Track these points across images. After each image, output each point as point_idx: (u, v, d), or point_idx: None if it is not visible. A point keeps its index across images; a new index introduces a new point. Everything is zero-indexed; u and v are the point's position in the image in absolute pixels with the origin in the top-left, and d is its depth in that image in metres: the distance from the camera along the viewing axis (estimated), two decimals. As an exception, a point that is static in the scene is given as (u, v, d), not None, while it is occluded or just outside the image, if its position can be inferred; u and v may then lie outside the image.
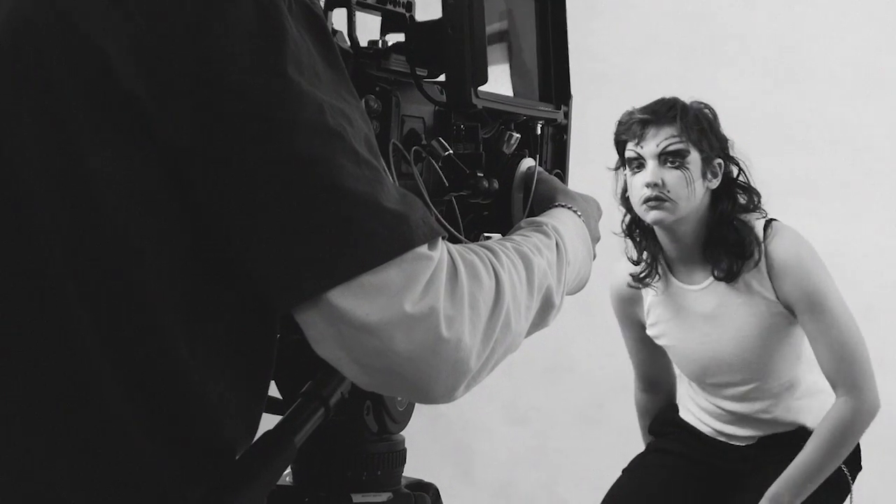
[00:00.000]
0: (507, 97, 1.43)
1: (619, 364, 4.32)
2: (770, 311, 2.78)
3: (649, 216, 2.76)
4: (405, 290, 1.07)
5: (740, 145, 2.82)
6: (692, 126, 2.77)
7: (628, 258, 2.94)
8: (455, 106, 1.37)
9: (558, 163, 1.66)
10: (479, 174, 1.41)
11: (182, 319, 1.09)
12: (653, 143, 2.76)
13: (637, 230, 2.90)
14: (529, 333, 1.27)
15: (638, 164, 2.79)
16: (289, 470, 1.50)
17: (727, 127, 2.86)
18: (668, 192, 2.72)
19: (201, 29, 1.05)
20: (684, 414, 3.10)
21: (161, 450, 1.11)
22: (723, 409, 2.96)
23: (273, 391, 1.42)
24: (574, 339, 4.34)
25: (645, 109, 2.82)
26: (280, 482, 1.50)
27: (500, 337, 1.16)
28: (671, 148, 2.74)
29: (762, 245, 2.77)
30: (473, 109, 1.34)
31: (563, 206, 1.42)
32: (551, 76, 1.51)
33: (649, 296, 2.97)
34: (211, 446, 1.14)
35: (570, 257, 1.35)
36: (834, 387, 2.81)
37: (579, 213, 1.43)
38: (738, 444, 2.98)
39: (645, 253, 2.89)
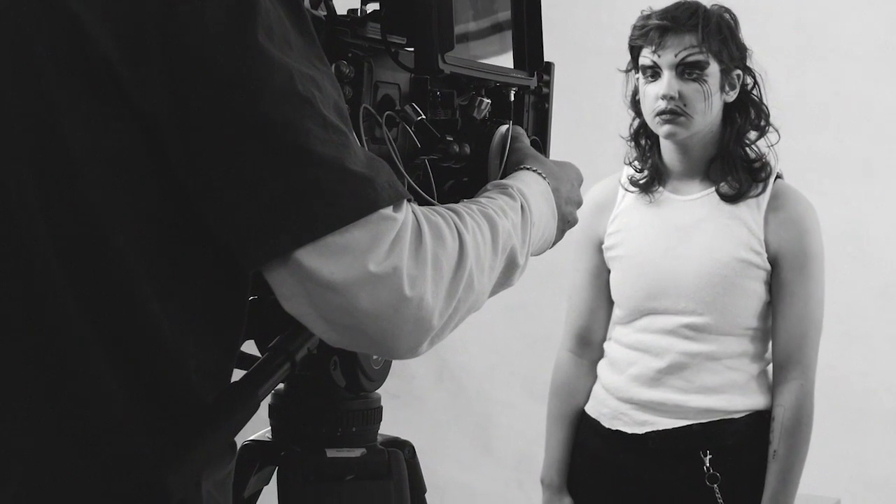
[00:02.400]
0: (477, 63, 1.46)
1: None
2: (750, 246, 2.61)
3: (662, 129, 2.60)
4: (370, 250, 1.11)
5: (758, 56, 2.69)
6: (714, 35, 2.58)
7: (630, 163, 2.76)
8: (422, 71, 1.40)
9: (539, 131, 1.69)
10: (448, 138, 1.44)
11: (154, 277, 1.14)
12: (671, 53, 2.57)
13: (645, 138, 2.73)
14: (494, 293, 1.31)
15: (653, 72, 2.60)
16: (268, 426, 1.55)
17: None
18: (685, 105, 2.56)
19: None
20: (592, 404, 2.80)
21: (131, 401, 1.15)
22: (649, 353, 2.67)
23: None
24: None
25: (664, 14, 2.61)
26: (259, 437, 1.54)
27: (463, 296, 1.20)
28: (691, 59, 2.57)
29: (772, 179, 2.64)
30: (441, 75, 1.37)
31: (529, 168, 1.46)
32: (524, 43, 1.54)
33: (623, 202, 2.76)
34: (181, 400, 1.18)
35: (535, 219, 1.38)
36: (784, 366, 2.63)
37: (545, 176, 1.46)
38: (640, 431, 2.67)
39: (649, 161, 2.70)
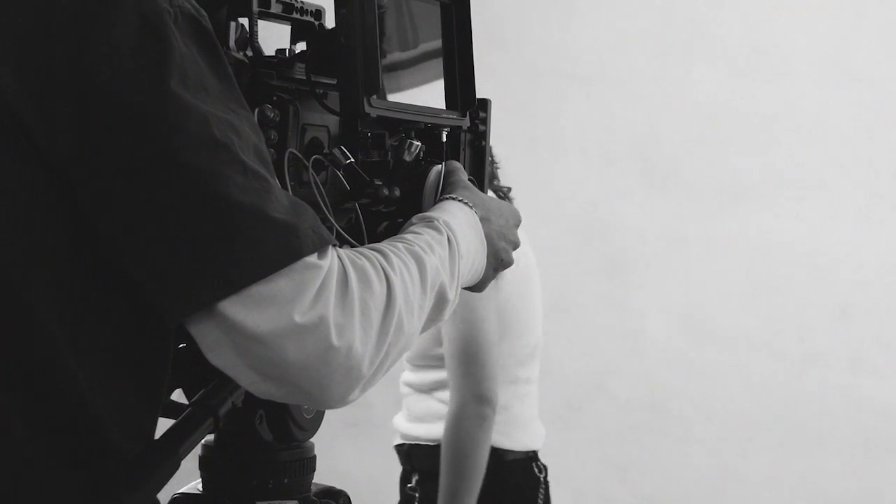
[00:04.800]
0: (406, 105, 1.43)
1: (595, 366, 4.33)
2: None
3: None
4: (294, 301, 1.09)
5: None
6: None
7: None
8: (348, 115, 1.37)
9: (475, 169, 1.66)
10: (378, 182, 1.41)
11: (68, 327, 1.11)
12: None
13: None
14: (425, 329, 1.29)
15: None
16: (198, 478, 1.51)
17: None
18: None
19: (84, 41, 1.07)
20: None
21: (48, 460, 1.12)
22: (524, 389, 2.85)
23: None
24: (550, 340, 4.33)
25: None
26: (190, 490, 1.50)
27: (394, 339, 1.18)
28: None
29: None
30: (367, 118, 1.35)
31: (454, 198, 1.42)
32: (456, 83, 1.51)
33: None
34: (101, 457, 1.15)
35: (463, 250, 1.35)
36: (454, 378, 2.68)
37: (471, 205, 1.42)
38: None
39: None
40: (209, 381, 1.34)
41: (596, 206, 4.14)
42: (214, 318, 1.08)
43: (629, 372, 4.19)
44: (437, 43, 1.51)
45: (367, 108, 1.33)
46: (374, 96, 1.34)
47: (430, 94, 1.49)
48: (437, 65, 1.51)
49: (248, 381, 1.12)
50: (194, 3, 1.14)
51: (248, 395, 1.32)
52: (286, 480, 1.45)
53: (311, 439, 1.51)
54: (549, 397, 4.44)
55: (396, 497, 2.93)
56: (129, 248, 1.09)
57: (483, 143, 1.68)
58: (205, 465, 1.48)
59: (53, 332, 1.10)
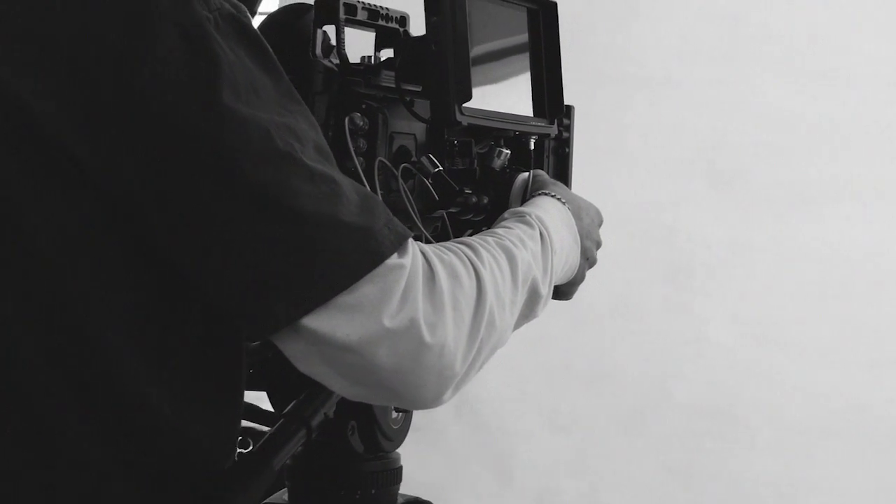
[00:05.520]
0: (496, 113, 1.41)
1: (658, 371, 4.30)
2: None
3: None
4: (382, 305, 1.06)
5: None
6: None
7: None
8: (439, 123, 1.36)
9: (559, 175, 1.65)
10: (467, 191, 1.40)
11: (142, 353, 1.08)
12: None
13: None
14: (518, 326, 1.25)
15: None
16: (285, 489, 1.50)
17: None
18: None
19: (127, 64, 1.01)
20: None
21: (130, 476, 1.10)
22: None
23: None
24: (614, 347, 4.31)
25: None
26: (276, 500, 1.50)
27: (486, 335, 1.14)
28: None
29: None
30: (458, 127, 1.33)
31: (546, 194, 1.40)
32: (544, 91, 1.50)
33: None
34: (186, 467, 1.13)
35: (556, 246, 1.32)
36: None
37: (564, 201, 1.40)
38: None
39: None
40: (294, 387, 1.34)
41: (660, 211, 4.11)
42: (300, 333, 1.05)
43: (693, 378, 4.16)
44: (524, 50, 1.49)
45: (458, 117, 1.32)
46: (466, 104, 1.32)
47: (517, 102, 1.48)
48: (525, 72, 1.49)
49: (339, 387, 1.10)
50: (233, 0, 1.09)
51: (340, 407, 1.31)
52: (374, 491, 1.45)
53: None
54: (612, 402, 4.42)
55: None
56: (205, 272, 1.05)
57: (567, 150, 1.66)
58: (292, 475, 1.47)
59: (127, 359, 1.07)
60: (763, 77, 4.19)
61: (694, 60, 4.27)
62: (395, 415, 1.46)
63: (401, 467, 1.50)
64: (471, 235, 1.48)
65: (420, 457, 4.16)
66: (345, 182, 1.08)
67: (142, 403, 1.08)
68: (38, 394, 1.05)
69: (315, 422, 1.26)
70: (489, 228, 1.31)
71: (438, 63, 1.32)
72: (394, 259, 1.07)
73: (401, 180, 1.36)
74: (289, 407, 1.28)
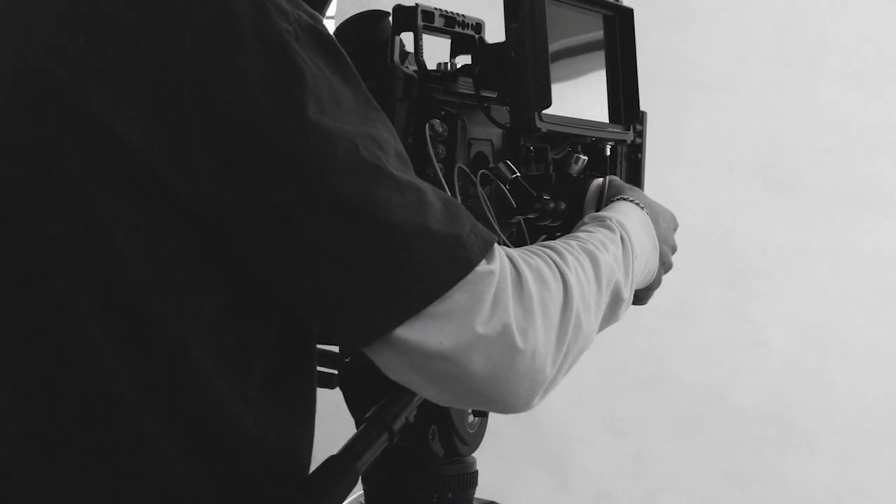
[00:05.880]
0: (574, 119, 1.42)
1: (716, 376, 4.28)
2: None
3: None
4: (473, 311, 1.06)
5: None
6: None
7: None
8: (519, 130, 1.36)
9: (632, 181, 1.65)
10: (545, 197, 1.40)
11: (224, 372, 1.09)
12: None
13: None
14: (600, 329, 1.26)
15: None
16: (360, 492, 1.51)
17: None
18: None
19: (210, 82, 1.02)
20: None
21: (217, 486, 1.11)
22: None
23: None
24: (671, 352, 4.30)
25: None
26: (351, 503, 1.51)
27: (573, 339, 1.15)
28: None
29: None
30: (538, 133, 1.34)
31: (625, 199, 1.41)
32: (620, 96, 1.50)
33: None
34: (268, 483, 1.14)
35: (637, 250, 1.33)
36: None
37: (642, 206, 1.41)
38: None
39: None
40: (371, 390, 1.35)
41: (718, 215, 4.10)
42: (392, 343, 1.06)
43: (751, 383, 4.14)
44: (599, 55, 1.50)
45: (538, 123, 1.32)
46: (545, 111, 1.33)
47: (593, 107, 1.48)
48: (601, 77, 1.50)
49: (430, 393, 1.11)
50: (307, 8, 1.09)
51: (421, 411, 1.32)
52: (450, 495, 1.46)
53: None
54: (670, 407, 4.41)
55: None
56: (295, 286, 1.06)
57: (639, 155, 1.67)
58: (369, 478, 1.48)
59: (210, 373, 1.08)
60: (821, 81, 4.17)
61: (752, 64, 4.25)
62: (471, 419, 1.47)
63: (476, 472, 1.50)
64: (543, 241, 1.49)
65: (477, 460, 4.16)
66: (428, 189, 1.09)
67: (225, 416, 1.09)
68: (124, 410, 1.07)
69: (397, 426, 1.27)
70: (570, 233, 1.32)
71: (518, 70, 1.33)
72: (483, 266, 1.07)
73: (479, 187, 1.37)
74: (370, 411, 1.29)
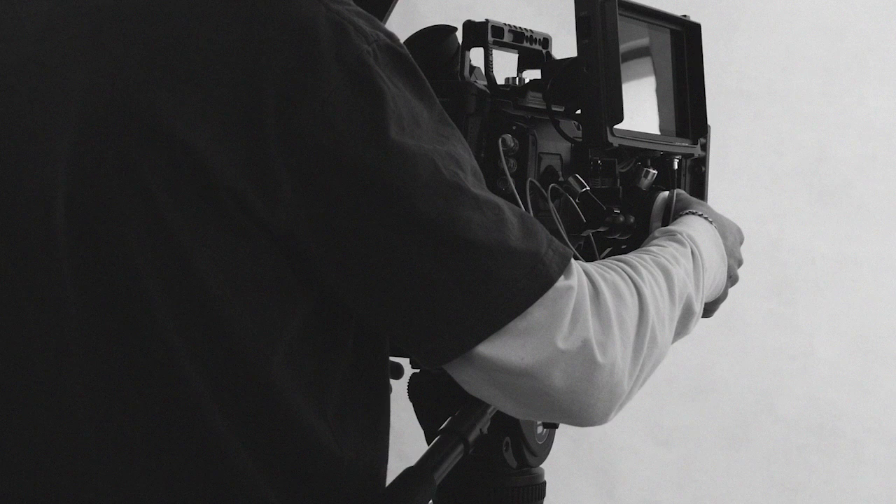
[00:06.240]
0: (644, 133, 1.43)
1: (762, 385, 4.28)
2: None
3: None
4: (553, 327, 1.07)
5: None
6: None
7: None
8: (591, 144, 1.37)
9: (696, 194, 1.66)
10: (616, 211, 1.41)
11: (303, 388, 1.10)
12: None
13: None
14: (672, 342, 1.27)
15: None
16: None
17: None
18: None
19: (291, 105, 1.02)
20: None
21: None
22: None
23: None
24: (718, 361, 4.30)
25: None
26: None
27: (648, 352, 1.16)
28: None
29: None
30: (610, 148, 1.35)
31: (694, 213, 1.42)
32: (688, 110, 1.51)
33: None
34: (347, 498, 1.15)
35: (706, 263, 1.34)
36: None
37: (711, 220, 1.42)
38: None
39: None
40: (443, 403, 1.36)
41: (764, 225, 4.09)
42: (473, 359, 1.06)
43: (798, 392, 4.13)
44: (667, 70, 1.51)
45: (609, 138, 1.33)
46: (616, 126, 1.34)
47: (661, 121, 1.50)
48: (668, 92, 1.51)
49: (508, 407, 1.12)
50: (385, 28, 1.10)
51: (494, 423, 1.34)
52: (519, 506, 1.47)
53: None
54: (716, 415, 4.40)
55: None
56: (376, 305, 1.07)
57: (703, 168, 1.68)
58: (439, 489, 1.49)
59: (289, 390, 1.09)
60: (867, 89, 4.17)
61: (797, 73, 4.25)
62: (540, 430, 1.48)
63: (544, 482, 1.51)
64: (608, 254, 1.50)
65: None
66: (505, 205, 1.10)
67: (306, 433, 1.10)
68: (206, 428, 1.07)
69: (472, 437, 1.29)
70: (640, 247, 1.33)
71: (590, 85, 1.34)
72: (561, 281, 1.08)
73: (550, 202, 1.38)
74: (445, 423, 1.31)
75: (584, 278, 1.12)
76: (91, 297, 1.07)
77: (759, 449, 4.20)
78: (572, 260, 1.12)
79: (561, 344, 1.07)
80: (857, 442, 4.09)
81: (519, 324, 1.06)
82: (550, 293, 1.07)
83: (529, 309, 1.06)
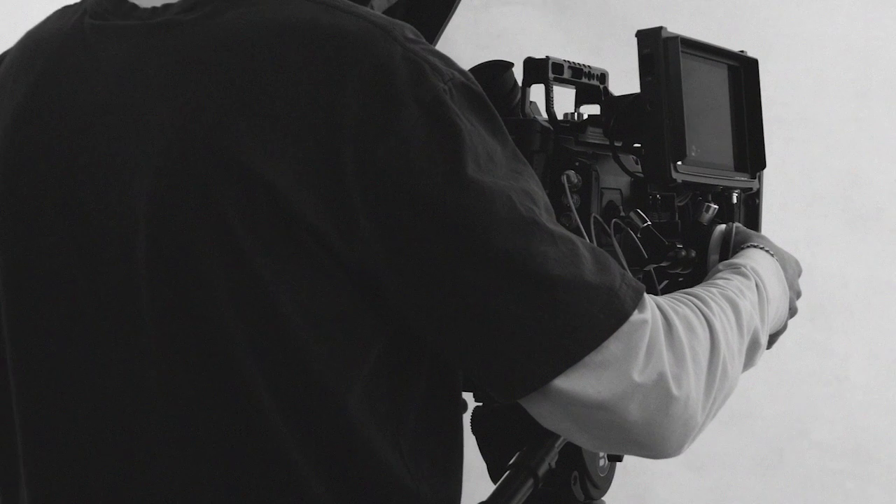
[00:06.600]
0: (705, 169, 1.45)
1: (797, 410, 4.28)
2: None
3: None
4: (629, 360, 1.08)
5: None
6: None
7: None
8: (654, 180, 1.39)
9: (751, 226, 1.67)
10: (678, 245, 1.42)
11: (378, 422, 1.10)
12: None
13: None
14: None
15: None
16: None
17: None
18: None
19: (370, 143, 1.04)
20: None
21: None
22: None
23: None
24: (752, 386, 4.30)
25: None
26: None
27: (720, 385, 1.17)
28: None
29: None
30: (673, 184, 1.36)
31: (756, 246, 1.44)
32: (746, 145, 1.53)
33: None
34: None
35: (770, 296, 1.36)
36: None
37: (772, 253, 1.43)
38: None
39: None
40: (510, 437, 1.37)
41: (797, 249, 4.08)
42: (549, 393, 1.07)
43: (832, 417, 4.13)
44: (724, 105, 1.52)
45: (673, 174, 1.35)
46: (680, 162, 1.36)
47: (720, 156, 1.51)
48: (726, 127, 1.52)
49: (583, 440, 1.13)
50: (458, 66, 1.12)
51: (562, 457, 1.35)
52: (584, 538, 1.47)
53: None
54: (751, 441, 4.40)
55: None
56: (453, 339, 1.08)
57: (757, 201, 1.69)
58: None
59: (365, 424, 1.09)
60: (898, 114, 4.17)
61: (828, 98, 4.26)
62: (601, 463, 1.49)
63: (605, 514, 1.52)
64: (665, 286, 1.51)
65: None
66: (577, 240, 1.11)
67: (381, 467, 1.11)
68: (283, 461, 1.08)
69: (541, 471, 1.30)
70: (706, 280, 1.35)
71: (653, 122, 1.35)
72: (636, 315, 1.09)
73: (613, 237, 1.39)
74: (514, 458, 1.32)
75: (658, 312, 1.13)
76: (171, 333, 1.09)
77: (794, 475, 4.19)
78: (645, 294, 1.13)
79: (637, 377, 1.08)
80: (892, 467, 4.08)
81: (595, 357, 1.07)
82: (626, 327, 1.08)
83: (605, 342, 1.07)
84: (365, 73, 1.05)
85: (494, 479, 1.41)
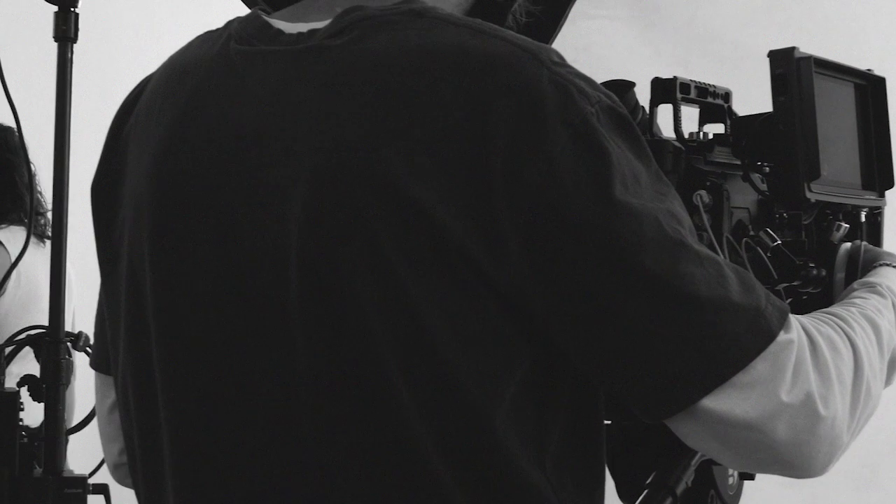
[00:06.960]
0: (837, 188, 1.45)
1: (892, 424, 4.24)
2: None
3: None
4: (777, 380, 1.09)
5: None
6: None
7: None
8: (787, 199, 1.39)
9: (874, 242, 1.67)
10: (810, 264, 1.43)
11: (525, 443, 1.11)
12: None
13: None
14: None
15: None
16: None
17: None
18: None
19: (519, 166, 1.05)
20: None
21: None
22: None
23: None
24: (843, 400, 4.27)
25: None
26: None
27: (864, 404, 1.18)
28: None
29: None
30: (807, 204, 1.37)
31: (888, 264, 1.44)
32: (874, 163, 1.53)
33: None
34: None
35: None
36: None
37: None
38: None
39: None
40: (635, 453, 1.37)
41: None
42: (696, 413, 1.08)
43: (927, 434, 4.09)
44: (851, 123, 1.52)
45: (807, 194, 1.35)
46: (814, 182, 1.36)
47: (849, 174, 1.51)
48: (853, 145, 1.52)
49: (727, 460, 1.14)
50: (604, 89, 1.13)
51: (698, 476, 1.35)
52: (715, 556, 1.48)
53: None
54: (843, 456, 4.35)
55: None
56: (600, 359, 1.09)
57: (880, 218, 1.68)
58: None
59: (512, 445, 1.10)
60: None
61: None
62: (731, 481, 1.50)
63: (731, 533, 1.53)
64: (792, 306, 1.51)
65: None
66: (722, 261, 1.11)
67: (528, 488, 1.11)
68: (431, 480, 1.10)
69: (679, 490, 1.30)
70: (844, 299, 1.35)
71: (786, 142, 1.36)
72: (782, 335, 1.10)
73: (744, 256, 1.40)
74: (651, 477, 1.32)
75: (802, 332, 1.13)
76: (321, 352, 1.10)
77: (889, 492, 4.15)
78: (790, 314, 1.13)
79: (785, 397, 1.09)
80: None
81: (743, 377, 1.08)
82: (772, 347, 1.09)
83: (753, 363, 1.08)
84: (513, 97, 1.06)
85: (624, 498, 1.42)
